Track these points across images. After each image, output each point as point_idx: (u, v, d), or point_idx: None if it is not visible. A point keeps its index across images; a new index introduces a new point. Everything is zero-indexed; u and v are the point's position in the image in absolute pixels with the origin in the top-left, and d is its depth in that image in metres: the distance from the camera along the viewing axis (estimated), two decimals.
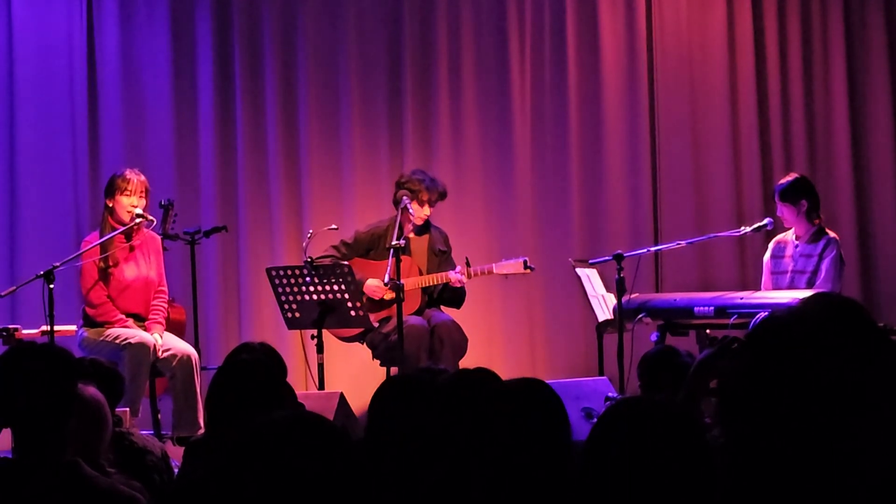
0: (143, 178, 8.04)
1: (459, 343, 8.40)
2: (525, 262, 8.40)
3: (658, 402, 2.50)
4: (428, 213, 8.62)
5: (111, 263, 8.00)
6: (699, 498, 2.32)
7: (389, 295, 8.40)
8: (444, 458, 3.65)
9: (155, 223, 8.05)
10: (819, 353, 1.69)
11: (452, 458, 3.59)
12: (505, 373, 3.77)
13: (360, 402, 8.99)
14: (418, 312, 8.50)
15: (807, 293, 7.45)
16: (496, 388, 3.36)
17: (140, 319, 8.04)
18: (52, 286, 7.61)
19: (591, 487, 2.40)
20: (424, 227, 8.70)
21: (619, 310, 8.10)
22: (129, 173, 8.03)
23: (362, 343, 8.54)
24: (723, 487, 1.78)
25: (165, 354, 7.89)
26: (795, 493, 1.70)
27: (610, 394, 6.84)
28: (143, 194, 8.01)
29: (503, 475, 3.13)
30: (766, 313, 1.89)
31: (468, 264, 8.43)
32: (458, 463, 3.52)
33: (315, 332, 8.05)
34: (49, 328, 7.65)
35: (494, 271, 8.43)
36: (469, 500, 3.31)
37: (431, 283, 8.52)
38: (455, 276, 8.42)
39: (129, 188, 7.97)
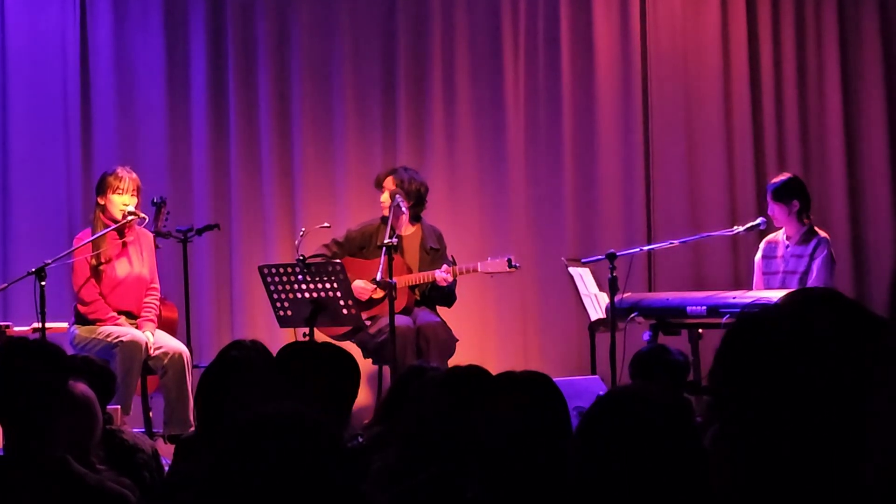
0: (134, 175, 8.03)
1: (446, 342, 8.40)
2: (509, 260, 8.37)
3: (644, 392, 2.50)
4: (391, 188, 8.60)
5: (103, 260, 7.99)
6: (689, 490, 2.32)
7: (377, 294, 8.41)
8: (439, 454, 3.65)
9: (147, 220, 8.04)
10: (803, 343, 1.69)
11: (447, 455, 3.59)
12: (497, 371, 3.76)
13: None
14: (406, 310, 8.49)
15: None
16: (496, 382, 3.36)
17: (132, 317, 8.03)
18: (43, 283, 7.60)
19: (581, 481, 2.40)
20: (415, 220, 8.70)
21: (612, 309, 8.10)
22: (120, 171, 8.02)
23: (352, 341, 8.53)
24: (714, 481, 1.77)
25: (157, 352, 7.88)
26: (788, 487, 1.70)
27: (601, 392, 6.84)
28: (135, 192, 7.99)
29: (501, 470, 3.13)
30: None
31: (454, 263, 8.44)
32: (454, 459, 3.52)
33: (307, 330, 8.04)
34: (41, 325, 7.63)
35: (479, 270, 8.43)
36: (465, 496, 3.31)
37: (419, 282, 8.52)
38: (440, 275, 8.42)
39: (122, 187, 7.96)
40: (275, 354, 4.52)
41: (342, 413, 4.13)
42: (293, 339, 8.34)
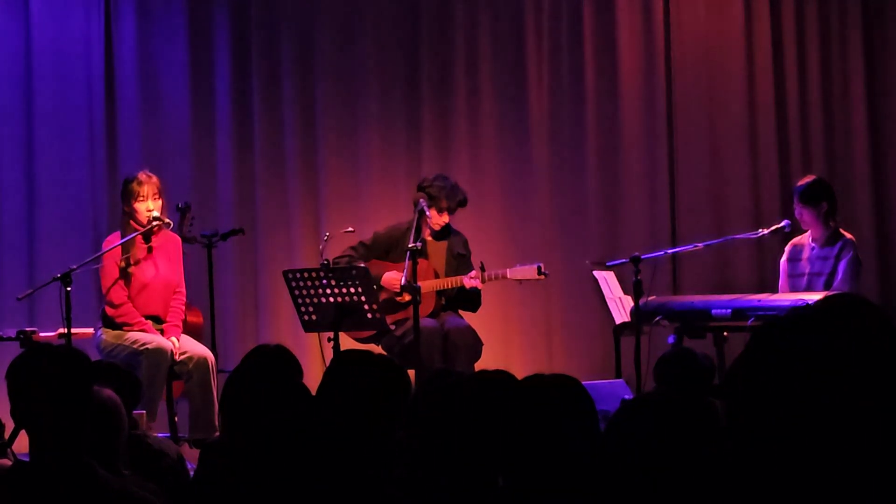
0: (154, 178, 8.04)
1: (473, 347, 8.41)
2: (539, 267, 8.39)
3: (669, 397, 2.49)
4: (446, 221, 8.62)
5: (132, 263, 8.01)
6: (714, 494, 2.32)
7: (405, 296, 8.41)
8: (464, 459, 3.65)
9: (172, 226, 8.07)
10: (828, 349, 1.68)
11: (472, 459, 3.58)
12: (522, 376, 3.75)
13: None
14: (433, 315, 8.50)
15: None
16: (525, 385, 3.36)
17: (158, 321, 8.04)
18: (69, 289, 7.62)
19: (607, 485, 2.40)
20: (444, 232, 8.70)
21: (637, 312, 8.08)
22: (141, 176, 8.02)
23: (378, 345, 8.54)
24: (733, 485, 1.77)
25: (182, 357, 7.90)
26: (803, 490, 1.69)
27: (626, 396, 6.82)
28: (157, 195, 8.01)
29: (528, 474, 3.13)
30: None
31: (483, 269, 8.43)
32: (479, 463, 3.52)
33: (332, 334, 8.05)
34: (66, 331, 7.66)
35: (508, 276, 8.43)
36: (490, 501, 3.30)
37: (446, 287, 8.52)
38: (469, 281, 8.42)
39: (143, 193, 7.97)
40: (300, 360, 4.54)
41: (390, 427, 4.07)
42: (318, 344, 8.38)
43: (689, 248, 8.89)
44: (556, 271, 9.55)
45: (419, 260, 8.16)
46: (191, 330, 8.20)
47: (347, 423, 3.35)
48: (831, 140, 10.52)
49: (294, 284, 8.08)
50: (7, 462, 4.65)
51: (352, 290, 7.97)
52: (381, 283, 8.41)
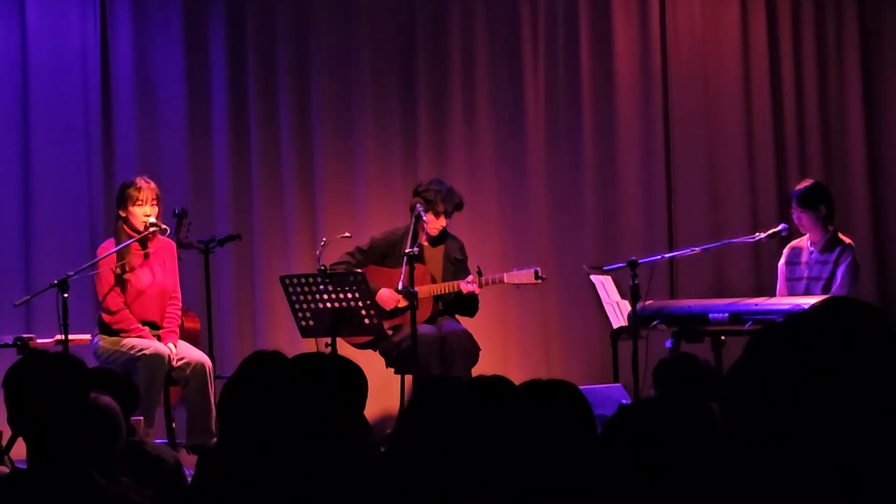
0: (152, 185, 8.04)
1: (471, 352, 8.40)
2: (536, 272, 8.38)
3: (665, 401, 2.49)
4: (443, 225, 8.61)
5: (128, 269, 8.00)
6: (709, 494, 2.32)
7: (402, 304, 8.40)
8: (461, 464, 3.64)
9: (168, 232, 8.06)
10: (826, 352, 1.68)
11: (469, 465, 3.58)
12: (520, 380, 3.75)
13: (374, 409, 9.01)
14: (430, 320, 8.49)
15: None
16: (521, 390, 3.36)
17: (155, 327, 8.04)
18: (66, 295, 7.61)
19: (606, 487, 2.40)
20: (441, 237, 8.69)
21: (634, 317, 8.08)
22: (139, 181, 8.03)
23: (375, 350, 8.53)
24: (731, 488, 1.77)
25: (179, 363, 7.90)
26: (802, 492, 1.69)
27: (624, 401, 6.82)
28: (155, 202, 8.01)
29: (524, 479, 3.13)
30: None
31: (480, 273, 8.43)
32: (476, 469, 3.52)
33: (329, 340, 8.04)
34: (63, 337, 7.65)
35: (505, 281, 8.43)
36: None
37: (444, 292, 8.51)
38: (466, 286, 8.42)
39: (141, 197, 7.97)
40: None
41: (352, 424, 4.12)
42: (315, 349, 8.37)
43: (687, 252, 8.88)
44: (553, 276, 9.54)
45: (416, 265, 8.16)
46: (188, 336, 8.19)
47: (314, 426, 3.36)
48: (828, 144, 10.53)
49: (291, 290, 8.08)
50: (5, 469, 4.65)
51: (349, 295, 7.97)
52: (375, 299, 8.38)
